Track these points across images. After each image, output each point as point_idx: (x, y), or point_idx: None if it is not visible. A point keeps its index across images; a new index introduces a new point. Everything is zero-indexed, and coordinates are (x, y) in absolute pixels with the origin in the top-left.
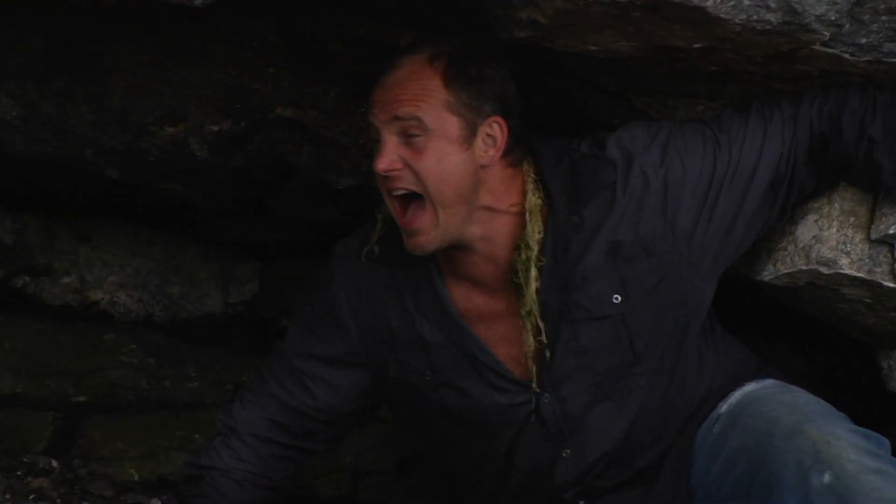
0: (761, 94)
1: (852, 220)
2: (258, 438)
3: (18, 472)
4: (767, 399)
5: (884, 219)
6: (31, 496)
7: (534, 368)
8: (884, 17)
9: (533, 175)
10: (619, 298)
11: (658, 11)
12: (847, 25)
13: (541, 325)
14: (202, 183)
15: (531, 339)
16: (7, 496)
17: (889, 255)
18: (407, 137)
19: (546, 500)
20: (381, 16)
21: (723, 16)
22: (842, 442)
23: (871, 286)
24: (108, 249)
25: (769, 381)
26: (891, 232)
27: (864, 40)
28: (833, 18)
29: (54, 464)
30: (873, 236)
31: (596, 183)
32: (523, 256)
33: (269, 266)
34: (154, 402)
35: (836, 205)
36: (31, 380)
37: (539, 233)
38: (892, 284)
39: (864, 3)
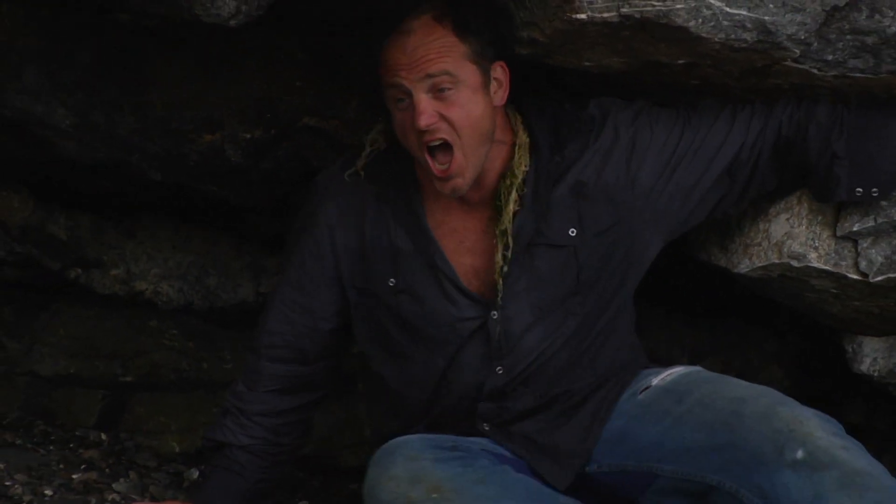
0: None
1: (820, 218)
2: (265, 415)
3: (71, 445)
4: (723, 381)
5: (849, 217)
6: (83, 466)
7: (490, 284)
8: (848, 37)
9: (519, 118)
10: (575, 232)
11: (645, 31)
12: (815, 43)
13: (510, 242)
14: (236, 184)
15: (500, 256)
16: (61, 466)
17: (853, 250)
18: (437, 92)
19: (464, 419)
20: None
21: (704, 35)
22: (812, 422)
23: (837, 278)
24: (152, 244)
25: (700, 368)
26: (854, 229)
27: (830, 57)
28: (803, 37)
29: (103, 437)
30: (839, 233)
31: (575, 129)
32: (507, 182)
33: None
34: (193, 381)
35: (806, 204)
36: (83, 362)
37: (525, 165)
38: (855, 276)
39: (830, 24)
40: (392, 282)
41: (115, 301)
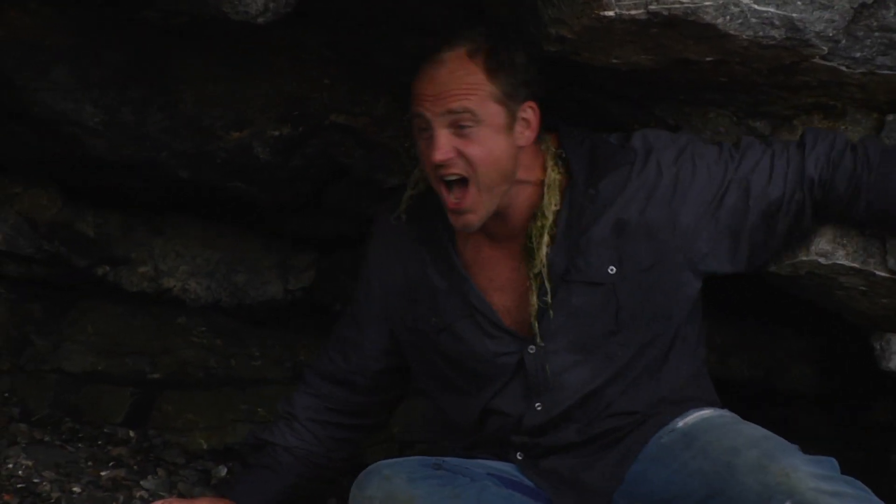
0: (767, 101)
1: None
2: (316, 422)
3: (100, 442)
4: (726, 429)
5: None
6: (111, 463)
7: (526, 321)
8: (876, 34)
9: (554, 151)
10: (614, 270)
11: (674, 28)
12: (843, 41)
13: (547, 285)
14: (264, 182)
15: (535, 298)
16: (89, 463)
17: (881, 247)
18: (458, 128)
19: (499, 447)
20: (424, 31)
21: (732, 32)
22: (800, 473)
23: (865, 275)
24: (180, 242)
25: (726, 411)
26: None
27: (858, 54)
28: (831, 34)
29: (131, 434)
30: (867, 231)
31: (613, 162)
32: (538, 224)
33: (325, 256)
34: (221, 378)
35: None
36: (111, 358)
37: (555, 205)
38: (884, 274)
39: (858, 21)
40: (434, 320)
41: (143, 298)
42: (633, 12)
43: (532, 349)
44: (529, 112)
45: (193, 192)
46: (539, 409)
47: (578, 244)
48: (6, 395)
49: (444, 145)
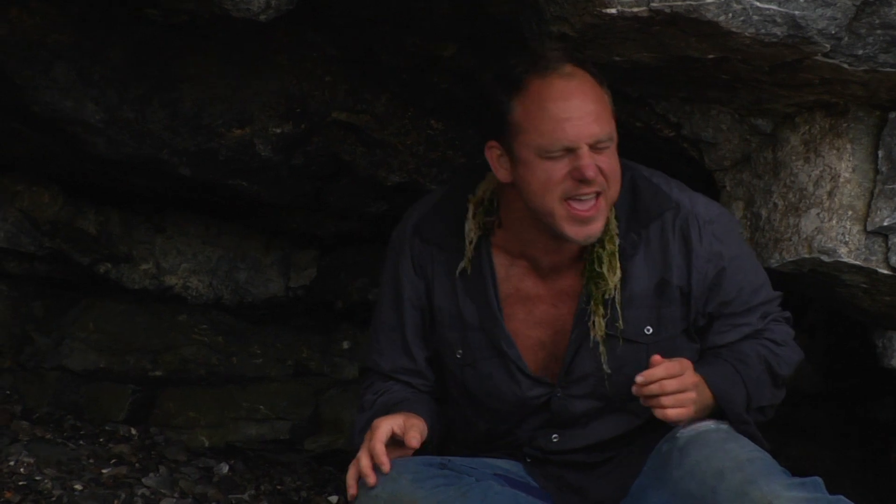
0: (769, 99)
1: (850, 213)
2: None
3: (101, 439)
4: (715, 447)
5: (879, 212)
6: (112, 461)
7: (558, 359)
8: (879, 31)
9: None
10: (651, 331)
11: (676, 26)
12: (846, 38)
13: (597, 337)
14: (266, 179)
15: (602, 322)
16: (91, 460)
17: (884, 245)
18: (597, 148)
19: (511, 453)
20: (426, 30)
21: (734, 30)
22: (781, 501)
23: (868, 273)
24: (182, 239)
25: (723, 424)
26: (885, 224)
27: (860, 51)
28: (833, 32)
29: (133, 431)
30: (869, 228)
31: (655, 206)
32: (608, 249)
33: (326, 254)
34: (223, 376)
35: (836, 199)
36: (113, 356)
37: (616, 232)
38: (886, 271)
39: (861, 18)
40: (459, 353)
41: (145, 296)
42: (635, 10)
43: (559, 393)
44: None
45: (195, 190)
46: (556, 440)
47: (617, 295)
48: (8, 392)
49: (592, 164)
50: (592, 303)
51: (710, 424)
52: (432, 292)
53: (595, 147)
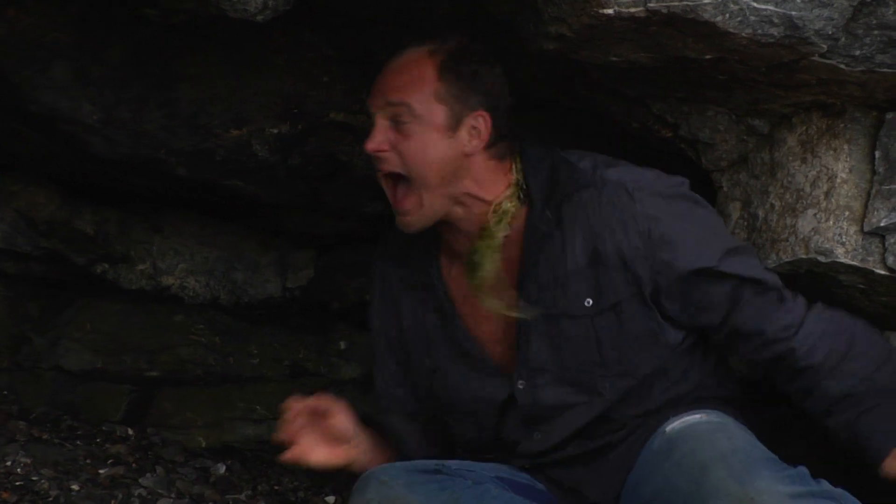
0: (766, 99)
1: (847, 213)
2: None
3: (98, 440)
4: (702, 440)
5: (876, 213)
6: (109, 461)
7: (512, 355)
8: (876, 32)
9: (518, 171)
10: (591, 302)
11: (673, 26)
12: (843, 38)
13: (517, 315)
14: (263, 180)
15: (519, 336)
16: (88, 461)
17: (880, 245)
18: (396, 123)
19: (505, 461)
20: (425, 30)
21: (731, 30)
22: (763, 497)
23: (865, 273)
24: (179, 239)
25: (714, 415)
26: (882, 224)
27: (858, 52)
28: (830, 32)
29: (130, 432)
30: (866, 228)
31: (571, 183)
32: (483, 243)
33: (323, 254)
34: (219, 376)
35: (833, 200)
36: (109, 356)
37: (506, 228)
38: (883, 272)
39: (858, 19)
40: (427, 362)
41: (142, 296)
42: (632, 10)
43: (521, 384)
44: (480, 121)
45: (192, 190)
46: (538, 438)
47: (554, 274)
48: (4, 392)
49: (378, 135)
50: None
51: (699, 416)
52: (400, 313)
53: (396, 124)
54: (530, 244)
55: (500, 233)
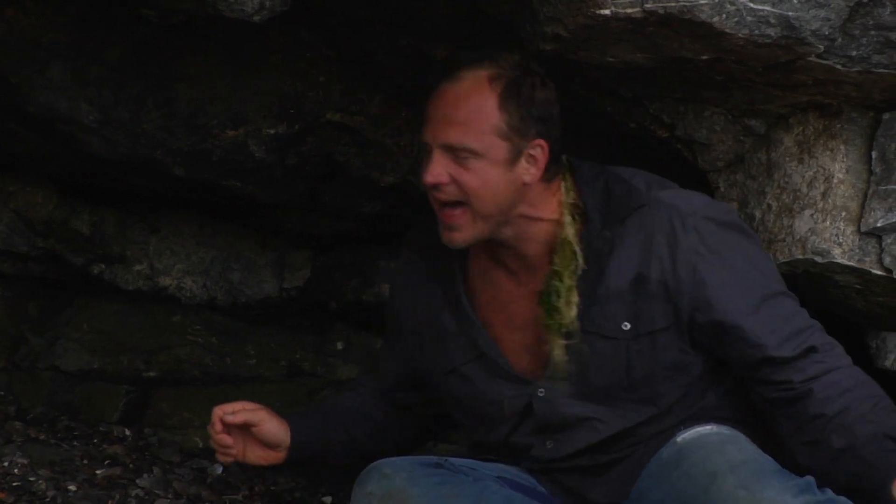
0: (763, 99)
1: (844, 214)
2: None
3: (95, 440)
4: (710, 449)
5: (872, 213)
6: (106, 461)
7: (539, 362)
8: (872, 32)
9: (569, 189)
10: (629, 326)
11: (669, 26)
12: (839, 39)
13: (565, 339)
14: (260, 180)
15: (557, 351)
16: (85, 461)
17: (877, 245)
18: (456, 154)
19: (514, 462)
20: (421, 30)
21: (727, 31)
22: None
23: (861, 273)
24: (176, 240)
25: (724, 428)
26: (878, 225)
27: (854, 52)
28: (827, 33)
29: (127, 432)
30: (863, 229)
31: (628, 201)
32: (566, 283)
33: (321, 254)
34: (217, 376)
35: (830, 200)
36: (107, 356)
37: (573, 265)
38: (879, 272)
39: (854, 19)
40: (442, 362)
41: (139, 296)
42: (628, 10)
43: (541, 392)
44: (538, 150)
45: (189, 191)
46: (550, 446)
47: (596, 292)
48: (1, 393)
49: (436, 169)
50: (552, 326)
51: (710, 427)
52: (416, 306)
53: (455, 156)
54: (586, 262)
55: (572, 272)
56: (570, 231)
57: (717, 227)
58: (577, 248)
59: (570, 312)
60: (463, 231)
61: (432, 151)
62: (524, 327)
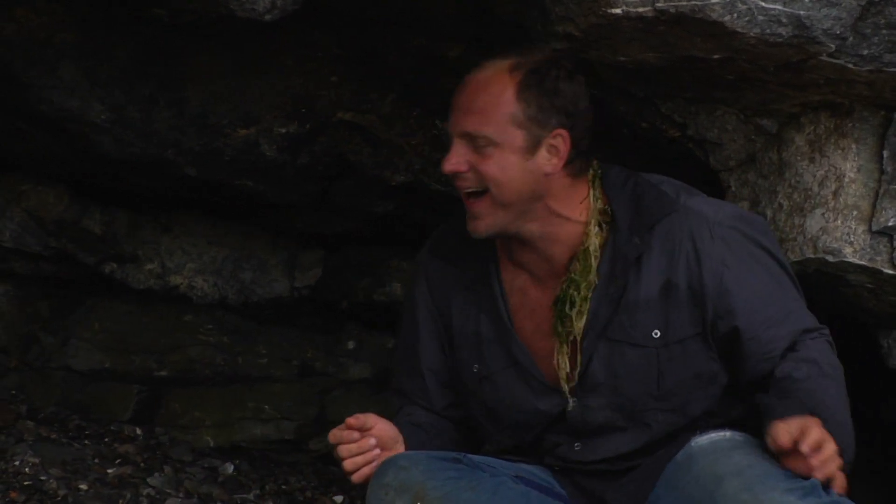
0: (774, 99)
1: (855, 213)
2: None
3: (106, 440)
4: (720, 454)
5: (884, 212)
6: (118, 461)
7: (567, 373)
8: (884, 31)
9: (598, 197)
10: (659, 334)
11: (681, 26)
12: (851, 38)
13: (578, 342)
14: (271, 179)
15: (565, 360)
16: (96, 460)
17: (889, 244)
18: (475, 145)
19: (536, 460)
20: (432, 30)
21: (739, 30)
22: None
23: (873, 273)
24: (187, 239)
25: (737, 434)
26: (890, 224)
27: (866, 52)
28: (838, 32)
29: (138, 431)
30: (874, 228)
31: (658, 208)
32: (582, 293)
33: (332, 254)
34: (228, 376)
35: (841, 199)
36: (118, 356)
37: (592, 274)
38: (891, 271)
39: (866, 18)
40: (476, 367)
41: (151, 296)
42: (640, 10)
43: (574, 402)
44: (559, 140)
45: (200, 190)
46: (578, 448)
47: (624, 300)
48: (13, 392)
49: (456, 156)
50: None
51: (724, 433)
52: (450, 311)
53: (474, 144)
54: (613, 268)
55: (589, 283)
56: (594, 242)
57: (745, 238)
58: (594, 262)
59: (579, 323)
60: (485, 219)
61: (453, 140)
62: (552, 334)
